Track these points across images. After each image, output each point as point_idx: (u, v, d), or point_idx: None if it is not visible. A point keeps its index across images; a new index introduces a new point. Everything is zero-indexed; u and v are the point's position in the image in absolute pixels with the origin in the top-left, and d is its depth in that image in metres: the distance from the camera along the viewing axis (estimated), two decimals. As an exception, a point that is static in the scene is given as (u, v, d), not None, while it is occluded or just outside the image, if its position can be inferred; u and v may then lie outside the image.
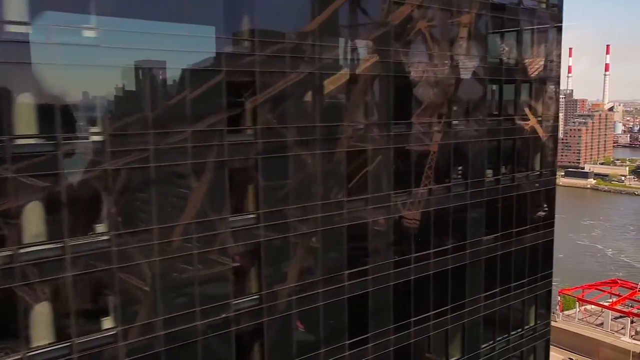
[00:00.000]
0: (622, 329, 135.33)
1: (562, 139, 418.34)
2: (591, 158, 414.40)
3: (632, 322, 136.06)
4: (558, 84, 41.53)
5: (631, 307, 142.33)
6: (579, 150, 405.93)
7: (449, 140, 34.68)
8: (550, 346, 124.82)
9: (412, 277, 33.25)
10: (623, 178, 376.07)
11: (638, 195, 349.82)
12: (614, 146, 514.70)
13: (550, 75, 40.88)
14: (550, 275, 43.22)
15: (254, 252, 27.21)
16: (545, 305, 43.13)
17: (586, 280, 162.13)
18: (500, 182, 38.13)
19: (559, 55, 41.34)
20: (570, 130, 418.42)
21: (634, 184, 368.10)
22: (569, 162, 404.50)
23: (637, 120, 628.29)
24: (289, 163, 27.60)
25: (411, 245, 33.26)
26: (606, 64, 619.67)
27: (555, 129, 42.26)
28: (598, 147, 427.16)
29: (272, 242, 27.59)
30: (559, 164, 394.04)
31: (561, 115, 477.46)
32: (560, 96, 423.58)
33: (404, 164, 33.07)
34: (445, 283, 35.23)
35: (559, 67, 41.38)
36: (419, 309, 34.00)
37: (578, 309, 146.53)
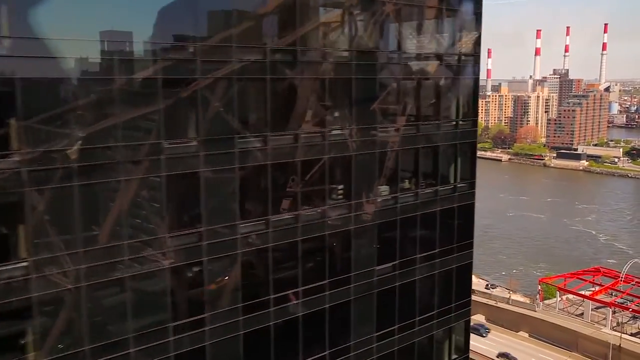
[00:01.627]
0: (604, 319, 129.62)
1: (556, 120, 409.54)
2: (585, 139, 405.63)
3: (614, 312, 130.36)
4: (477, 80, 34.54)
5: (614, 296, 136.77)
6: (573, 131, 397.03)
7: (323, 154, 27.93)
8: (530, 337, 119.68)
9: (272, 323, 26.75)
10: (616, 160, 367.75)
11: (631, 177, 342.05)
12: (609, 127, 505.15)
13: (466, 70, 33.86)
14: (468, 304, 36.55)
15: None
16: (463, 337, 36.57)
17: (576, 267, 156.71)
18: (398, 201, 31.38)
19: (478, 46, 34.26)
20: (564, 110, 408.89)
21: (628, 165, 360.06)
22: (562, 143, 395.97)
23: (635, 100, 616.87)
24: (73, 194, 20.96)
25: (268, 286, 26.72)
26: (604, 43, 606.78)
27: (473, 134, 35.24)
28: (592, 128, 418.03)
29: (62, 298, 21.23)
30: (551, 144, 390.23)
31: (555, 96, 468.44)
32: (555, 76, 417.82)
33: (258, 186, 26.43)
34: (321, 325, 28.74)
35: (477, 60, 34.35)
36: (284, 360, 27.63)
37: (559, 299, 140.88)
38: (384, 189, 30.95)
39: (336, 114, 28.73)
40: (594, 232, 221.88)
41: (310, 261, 28.30)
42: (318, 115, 27.64)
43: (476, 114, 34.99)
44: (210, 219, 24.40)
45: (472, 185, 35.56)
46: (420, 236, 32.73)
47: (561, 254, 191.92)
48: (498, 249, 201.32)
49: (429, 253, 33.11)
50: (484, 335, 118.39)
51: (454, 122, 33.83)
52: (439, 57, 32.58)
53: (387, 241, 31.35)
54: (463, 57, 33.81)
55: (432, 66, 32.27)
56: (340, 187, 29.04)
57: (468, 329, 36.65)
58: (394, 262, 31.55)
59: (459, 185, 34.76)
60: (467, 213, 35.58)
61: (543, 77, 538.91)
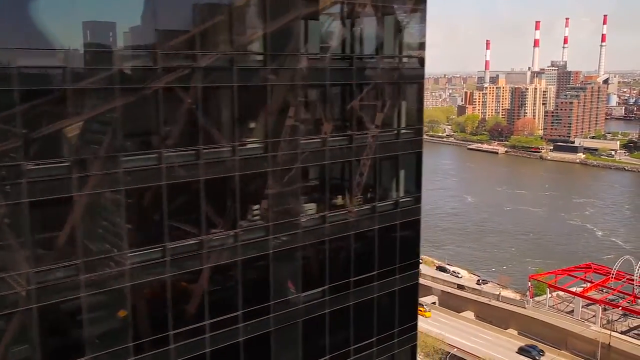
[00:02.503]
0: (594, 316, 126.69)
1: (553, 112, 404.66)
2: (582, 132, 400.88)
3: (604, 309, 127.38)
4: (421, 85, 31.03)
5: (605, 293, 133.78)
6: (570, 123, 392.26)
7: (233, 171, 24.52)
8: (518, 335, 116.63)
9: (172, 363, 23.49)
10: (613, 152, 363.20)
11: (628, 170, 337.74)
12: (608, 119, 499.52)
13: (408, 73, 30.35)
14: (414, 328, 33.23)
15: None
16: (408, 364, 33.32)
17: (571, 263, 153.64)
18: (327, 220, 28.00)
19: (422, 47, 30.75)
20: (562, 103, 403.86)
21: (625, 158, 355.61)
22: (559, 135, 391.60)
23: (634, 92, 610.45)
24: None
25: (167, 323, 23.45)
26: (603, 34, 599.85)
27: (418, 143, 31.72)
28: (590, 121, 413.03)
29: None
30: (548, 137, 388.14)
31: (553, 88, 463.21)
32: (553, 68, 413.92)
33: (152, 210, 23.10)
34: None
35: (422, 62, 30.82)
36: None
37: (549, 296, 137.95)
38: (310, 207, 27.61)
39: (248, 126, 25.38)
40: (591, 227, 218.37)
41: (220, 291, 25.03)
42: (225, 129, 24.21)
43: (421, 122, 31.55)
44: (87, 250, 21.13)
45: (417, 200, 32.09)
46: (355, 258, 29.41)
47: (557, 249, 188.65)
48: (493, 244, 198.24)
49: (365, 276, 29.78)
50: (538, 358, 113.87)
51: (395, 131, 30.36)
52: (374, 59, 29.07)
53: (314, 265, 28.06)
54: (405, 60, 30.34)
55: (367, 69, 28.79)
56: (256, 207, 25.72)
57: (415, 356, 33.39)
58: (323, 288, 28.25)
59: (402, 200, 31.29)
60: (412, 230, 32.13)
61: (541, 69, 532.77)
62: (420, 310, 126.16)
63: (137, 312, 22.80)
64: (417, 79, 30.71)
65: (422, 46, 30.74)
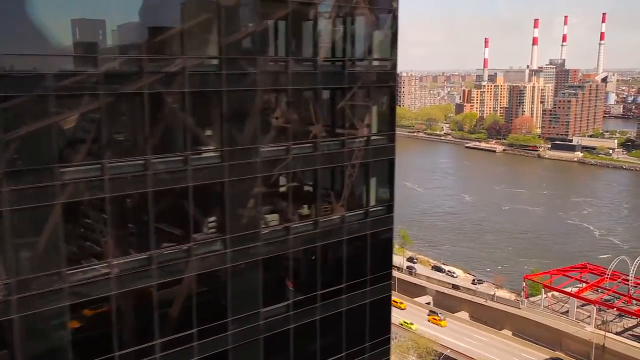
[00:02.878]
0: (589, 317, 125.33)
1: (551, 111, 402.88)
2: (580, 130, 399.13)
3: (599, 310, 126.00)
4: (393, 89, 29.46)
5: (600, 293, 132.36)
6: (568, 122, 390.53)
7: (185, 182, 23.01)
8: (512, 336, 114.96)
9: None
10: (611, 151, 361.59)
11: (626, 169, 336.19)
12: (606, 117, 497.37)
13: (378, 77, 28.77)
14: (387, 342, 31.75)
15: None
16: (381, 379, 31.80)
17: (569, 262, 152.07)
18: (291, 232, 26.51)
19: (394, 49, 29.17)
20: (560, 101, 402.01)
21: (622, 157, 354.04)
22: (557, 134, 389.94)
23: (632, 90, 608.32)
24: None
25: (113, 342, 21.96)
26: (601, 32, 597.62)
27: (390, 150, 30.14)
28: (587, 119, 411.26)
29: None
30: (546, 135, 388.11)
31: (551, 86, 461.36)
32: (551, 66, 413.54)
33: (95, 224, 21.60)
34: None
35: (393, 66, 29.24)
36: None
37: (544, 296, 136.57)
38: (273, 218, 26.12)
39: (203, 134, 23.88)
40: (589, 227, 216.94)
41: (172, 309, 23.54)
42: (175, 137, 22.70)
43: (393, 127, 30.00)
44: (20, 269, 19.63)
45: (389, 209, 30.56)
46: (321, 270, 27.93)
47: (554, 249, 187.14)
48: (490, 243, 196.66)
49: (333, 289, 28.30)
50: None
51: (365, 138, 28.83)
52: (342, 62, 27.54)
53: (277, 279, 26.61)
54: (375, 63, 28.81)
55: (334, 73, 27.27)
56: (212, 219, 24.22)
57: (387, 369, 31.97)
58: (287, 302, 26.76)
59: (372, 210, 29.76)
60: (384, 240, 30.65)
61: (539, 67, 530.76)
62: (435, 319, 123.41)
63: (78, 333, 21.32)
64: (388, 82, 29.16)
65: (394, 49, 29.17)
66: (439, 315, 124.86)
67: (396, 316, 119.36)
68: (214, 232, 24.26)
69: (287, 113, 25.79)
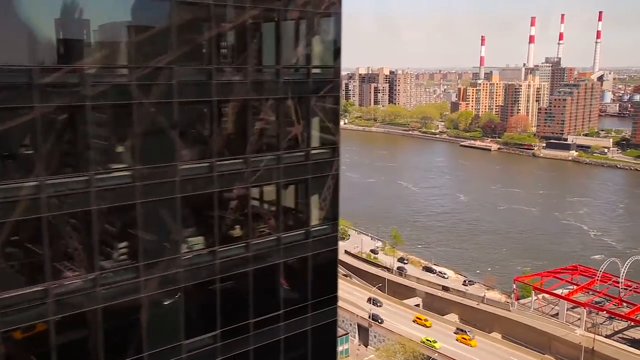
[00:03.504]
0: (579, 320, 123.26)
1: (546, 109, 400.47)
2: (575, 129, 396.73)
3: (589, 312, 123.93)
4: (337, 98, 26.96)
5: (591, 295, 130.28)
6: (563, 120, 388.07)
7: (88, 205, 20.60)
8: (503, 339, 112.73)
9: None
10: (606, 150, 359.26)
11: (620, 168, 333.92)
12: (602, 116, 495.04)
13: (320, 86, 26.30)
14: (332, 370, 29.40)
15: None
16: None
17: (563, 263, 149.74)
18: (217, 256, 24.10)
19: (337, 55, 26.71)
20: (555, 100, 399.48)
21: (617, 156, 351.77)
22: (553, 132, 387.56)
23: (628, 89, 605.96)
24: None
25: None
26: (598, 31, 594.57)
27: (333, 164, 27.64)
28: (583, 118, 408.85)
29: None
30: (541, 134, 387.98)
31: (547, 84, 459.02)
32: (547, 65, 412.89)
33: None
34: None
35: (337, 73, 26.81)
36: None
37: (534, 298, 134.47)
38: (196, 241, 23.72)
39: (110, 151, 21.46)
40: (584, 226, 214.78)
41: (77, 345, 21.16)
42: (76, 155, 20.30)
43: (337, 140, 27.58)
44: None
45: (334, 228, 28.10)
46: (255, 296, 25.52)
47: (549, 249, 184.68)
48: (484, 244, 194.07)
49: (268, 316, 25.91)
50: None
51: (303, 153, 26.38)
52: (276, 71, 25.08)
53: (201, 307, 24.21)
54: (316, 71, 26.36)
55: (267, 82, 24.84)
56: (123, 245, 21.84)
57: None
58: (214, 333, 24.36)
59: (314, 230, 27.32)
60: (328, 262, 28.19)
61: (535, 66, 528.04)
62: (465, 338, 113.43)
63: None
64: (331, 91, 26.68)
65: (337, 55, 26.71)
66: (468, 333, 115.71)
67: (418, 334, 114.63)
68: (126, 259, 21.85)
69: (213, 127, 23.35)
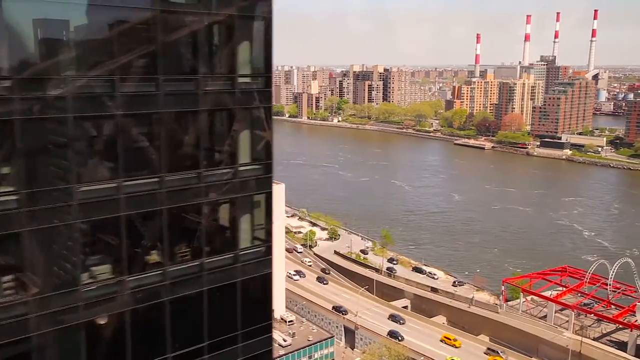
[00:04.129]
0: (567, 322, 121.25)
1: (541, 108, 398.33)
2: (569, 128, 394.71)
3: (577, 315, 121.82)
4: (268, 110, 24.33)
5: (581, 297, 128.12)
6: (557, 119, 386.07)
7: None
8: (490, 341, 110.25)
9: None
10: (599, 149, 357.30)
11: (613, 167, 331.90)
12: (597, 114, 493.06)
13: (247, 98, 23.67)
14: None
15: None
16: None
17: (554, 264, 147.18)
18: (126, 287, 21.54)
19: (268, 63, 24.11)
20: (549, 98, 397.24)
21: (610, 155, 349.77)
22: (547, 131, 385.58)
23: (623, 87, 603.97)
24: None
25: None
26: (593, 29, 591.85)
27: (265, 182, 24.99)
28: (577, 116, 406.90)
29: None
30: (535, 133, 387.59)
31: (542, 83, 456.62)
32: (542, 63, 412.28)
33: None
34: None
35: (267, 82, 24.13)
36: None
37: (522, 300, 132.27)
38: (103, 270, 21.18)
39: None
40: (578, 227, 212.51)
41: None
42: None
43: (270, 156, 24.95)
44: None
45: (267, 251, 25.53)
46: (173, 329, 23.00)
47: (542, 250, 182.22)
48: (476, 244, 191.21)
49: (190, 349, 23.38)
50: None
51: (230, 170, 23.80)
52: (194, 81, 22.49)
53: (106, 344, 21.69)
54: (243, 80, 23.77)
55: (183, 95, 22.24)
56: (8, 278, 19.29)
57: None
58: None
59: (244, 253, 24.76)
60: (260, 287, 25.66)
61: (530, 64, 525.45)
62: None
63: None
64: (261, 102, 24.11)
65: (267, 62, 24.12)
66: (502, 355, 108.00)
67: (445, 354, 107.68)
68: (13, 294, 19.29)
69: (120, 143, 20.79)
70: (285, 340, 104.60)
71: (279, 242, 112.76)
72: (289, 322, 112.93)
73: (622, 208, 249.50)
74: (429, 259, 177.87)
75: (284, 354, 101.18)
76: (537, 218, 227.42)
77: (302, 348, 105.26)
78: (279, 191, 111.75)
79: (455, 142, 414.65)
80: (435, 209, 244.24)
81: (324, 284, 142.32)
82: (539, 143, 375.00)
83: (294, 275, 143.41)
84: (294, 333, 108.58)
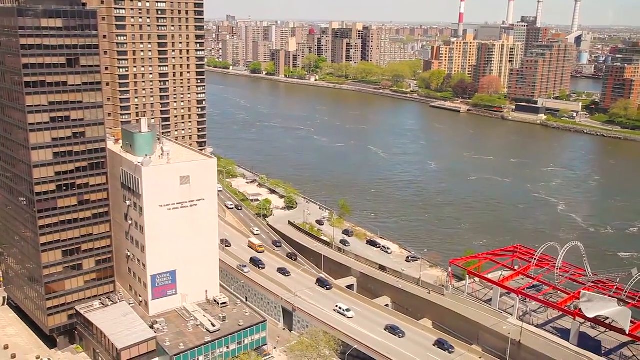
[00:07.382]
0: (512, 307, 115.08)
1: (518, 71, 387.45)
2: (547, 92, 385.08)
3: (522, 300, 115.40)
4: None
5: (527, 281, 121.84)
6: (534, 83, 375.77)
7: None
8: (433, 327, 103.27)
9: None
10: (574, 114, 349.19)
11: (587, 133, 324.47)
12: (578, 77, 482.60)
13: None
14: None
15: None
16: None
17: (522, 240, 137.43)
18: None
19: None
20: (527, 61, 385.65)
21: (585, 121, 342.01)
22: (524, 95, 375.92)
23: (607, 49, 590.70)
24: None
25: None
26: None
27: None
28: (555, 80, 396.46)
29: None
30: (512, 96, 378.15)
31: (521, 44, 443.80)
32: (522, 24, 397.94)
33: None
34: None
35: None
36: None
37: (468, 282, 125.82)
38: None
39: None
40: (553, 200, 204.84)
41: None
42: None
43: None
44: None
45: None
46: None
47: (512, 226, 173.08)
48: (446, 217, 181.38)
49: None
50: None
51: None
52: None
53: None
54: None
55: None
56: None
57: None
58: None
59: None
60: None
61: (510, 25, 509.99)
62: None
63: None
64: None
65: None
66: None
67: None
68: None
69: None
70: (214, 325, 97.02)
71: (211, 217, 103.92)
72: (221, 304, 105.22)
73: (601, 181, 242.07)
74: (388, 231, 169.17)
75: (211, 340, 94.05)
76: (514, 190, 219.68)
77: (232, 334, 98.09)
78: (211, 166, 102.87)
79: (431, 104, 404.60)
80: (410, 177, 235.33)
81: (286, 275, 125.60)
82: (514, 107, 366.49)
83: (244, 267, 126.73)
84: (224, 317, 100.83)
